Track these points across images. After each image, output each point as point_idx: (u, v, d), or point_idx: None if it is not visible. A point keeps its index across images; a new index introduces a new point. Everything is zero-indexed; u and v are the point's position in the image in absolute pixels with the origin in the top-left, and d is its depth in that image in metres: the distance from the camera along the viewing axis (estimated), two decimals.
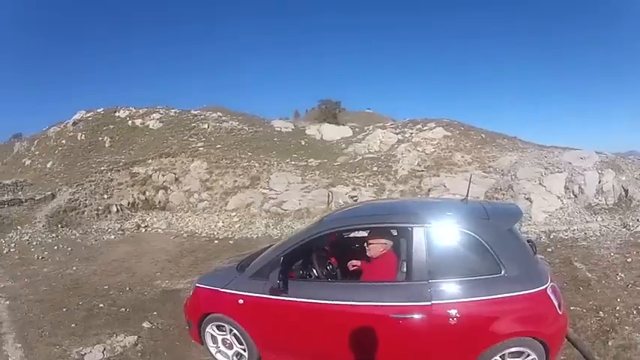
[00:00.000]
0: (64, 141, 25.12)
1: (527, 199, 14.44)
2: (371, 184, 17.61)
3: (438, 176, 17.49)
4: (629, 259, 9.45)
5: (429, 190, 16.58)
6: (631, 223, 12.27)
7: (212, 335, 5.96)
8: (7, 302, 8.75)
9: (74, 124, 26.44)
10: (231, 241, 13.71)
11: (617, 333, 6.21)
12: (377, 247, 5.37)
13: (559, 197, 14.37)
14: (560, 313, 4.74)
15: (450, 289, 4.69)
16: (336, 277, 6.09)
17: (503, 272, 4.64)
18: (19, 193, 17.70)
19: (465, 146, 20.40)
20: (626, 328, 6.35)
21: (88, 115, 27.72)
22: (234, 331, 5.65)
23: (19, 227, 14.50)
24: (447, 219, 5.06)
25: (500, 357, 4.69)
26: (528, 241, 5.52)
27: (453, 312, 4.54)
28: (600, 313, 6.88)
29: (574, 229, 12.29)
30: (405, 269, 5.01)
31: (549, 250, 10.60)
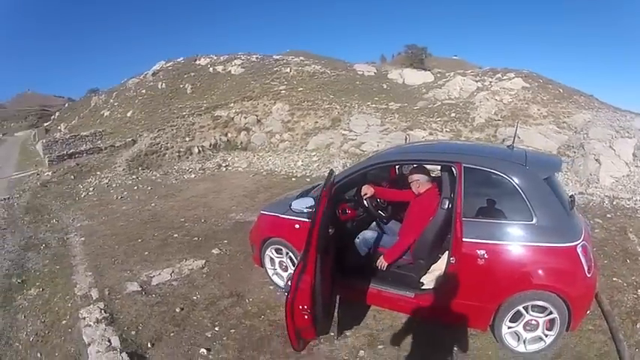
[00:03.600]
0: (143, 90, 25.63)
1: (596, 160, 13.61)
2: (447, 130, 17.38)
3: (513, 127, 16.54)
4: None
5: (504, 140, 16.16)
6: None
7: (270, 258, 6.38)
8: (82, 239, 9.01)
9: (154, 74, 27.01)
10: (308, 179, 13.63)
11: None
12: (419, 183, 5.50)
13: (627, 163, 13.37)
14: (589, 275, 4.61)
15: (481, 230, 4.73)
16: (385, 209, 6.37)
17: (534, 221, 4.61)
18: (99, 142, 18.21)
19: (542, 99, 19.73)
20: None
21: (168, 64, 28.22)
22: (290, 254, 6.06)
23: (98, 173, 14.90)
24: (486, 161, 5.02)
25: (523, 308, 4.72)
26: (570, 197, 5.36)
27: (482, 252, 4.63)
28: (639, 291, 6.44)
29: (636, 200, 11.34)
30: (445, 206, 5.08)
31: (609, 216, 9.93)
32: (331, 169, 5.53)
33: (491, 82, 22.17)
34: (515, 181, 4.71)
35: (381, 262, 5.29)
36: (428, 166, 5.61)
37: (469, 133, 17.12)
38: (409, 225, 5.44)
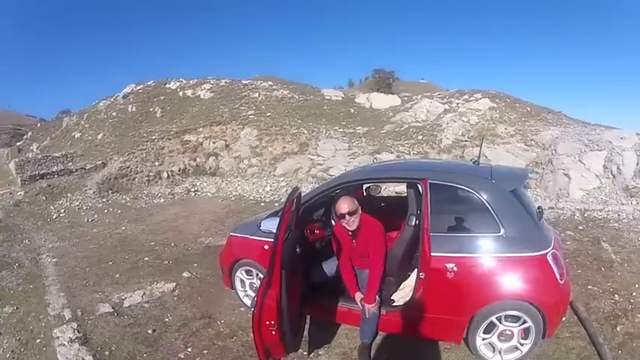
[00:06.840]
0: (114, 113, 25.79)
1: (565, 174, 13.96)
2: (415, 152, 17.59)
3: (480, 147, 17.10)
4: None
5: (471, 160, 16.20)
6: None
7: (241, 280, 6.50)
8: (55, 260, 9.15)
9: (124, 96, 27.15)
10: (276, 204, 13.60)
11: (627, 319, 6.07)
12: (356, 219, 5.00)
13: (597, 176, 13.74)
14: (561, 283, 4.77)
15: (449, 244, 4.86)
16: None
17: (502, 232, 4.78)
18: (69, 163, 18.23)
19: (510, 118, 20.18)
20: (638, 315, 6.19)
21: (138, 87, 28.40)
22: (260, 275, 6.03)
23: (69, 195, 14.96)
24: (451, 176, 5.23)
25: (496, 319, 4.82)
26: (537, 208, 5.54)
27: (451, 266, 4.76)
28: (616, 296, 6.77)
29: (608, 210, 11.69)
30: (412, 222, 5.29)
31: (580, 227, 10.31)
32: (296, 186, 5.67)
33: (458, 103, 22.63)
34: (481, 194, 4.89)
35: (368, 309, 4.93)
36: (394, 184, 5.88)
37: (436, 155, 17.37)
38: (372, 256, 5.04)
